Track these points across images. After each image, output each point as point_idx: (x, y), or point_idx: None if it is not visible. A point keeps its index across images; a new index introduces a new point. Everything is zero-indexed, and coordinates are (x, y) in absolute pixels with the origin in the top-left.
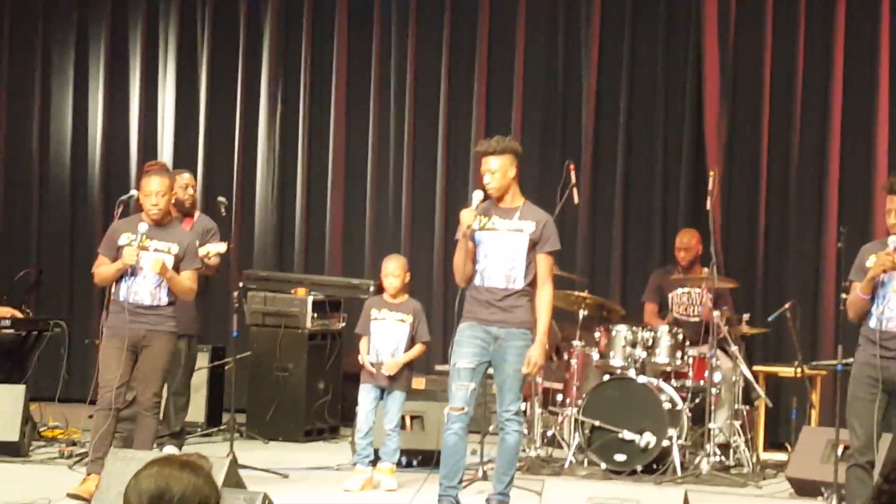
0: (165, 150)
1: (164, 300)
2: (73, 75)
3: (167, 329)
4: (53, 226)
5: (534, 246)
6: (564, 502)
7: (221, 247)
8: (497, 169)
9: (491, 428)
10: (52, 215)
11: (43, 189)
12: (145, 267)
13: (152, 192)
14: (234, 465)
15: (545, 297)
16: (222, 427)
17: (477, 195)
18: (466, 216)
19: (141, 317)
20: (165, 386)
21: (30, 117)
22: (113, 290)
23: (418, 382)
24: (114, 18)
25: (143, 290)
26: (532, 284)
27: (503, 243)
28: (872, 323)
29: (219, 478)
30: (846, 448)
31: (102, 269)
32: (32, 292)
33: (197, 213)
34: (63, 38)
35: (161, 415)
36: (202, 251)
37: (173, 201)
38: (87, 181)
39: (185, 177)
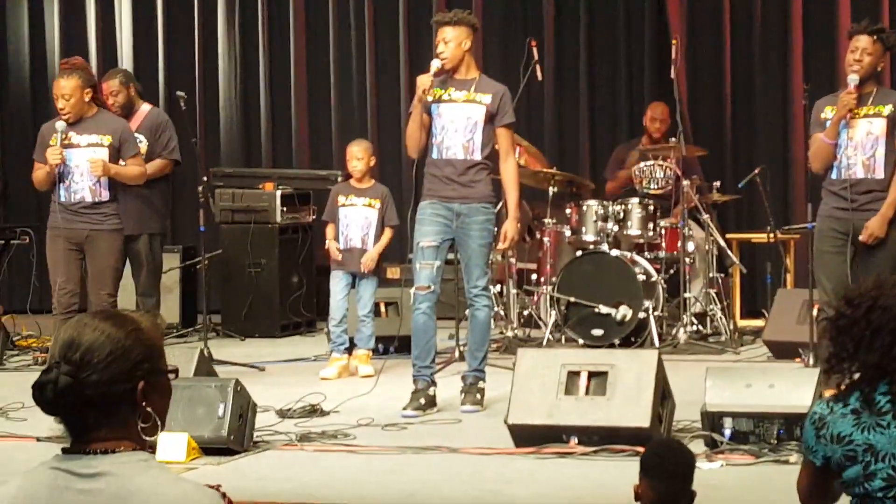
0: (124, 53)
1: (106, 196)
2: None
3: (110, 227)
4: (15, 137)
5: (491, 118)
6: (539, 369)
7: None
8: (451, 39)
9: (466, 312)
10: (13, 126)
11: (3, 101)
12: (81, 165)
13: (58, 94)
14: (205, 356)
15: (510, 170)
16: (197, 327)
17: (435, 63)
18: (423, 80)
19: (83, 216)
20: (135, 289)
21: None
22: (53, 191)
23: (392, 271)
24: None
25: (83, 187)
26: (490, 158)
27: (460, 114)
28: (833, 174)
29: (189, 368)
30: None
31: (37, 174)
32: (0, 204)
33: (147, 106)
34: None
35: None
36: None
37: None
38: (46, 89)
39: (109, 84)
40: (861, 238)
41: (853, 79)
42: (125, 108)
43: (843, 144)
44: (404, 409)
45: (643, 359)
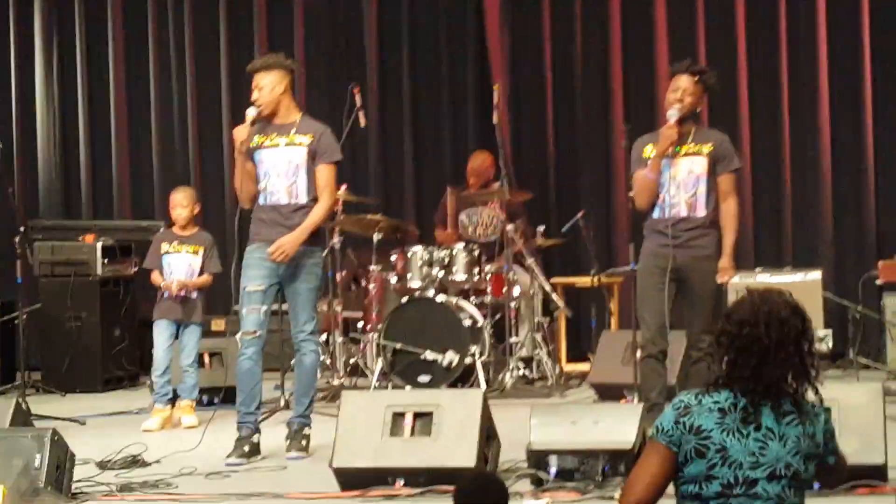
0: None
1: None
2: None
3: None
4: None
5: (313, 158)
6: (363, 411)
7: None
8: (265, 85)
9: (293, 362)
10: None
11: None
12: None
13: None
14: (21, 407)
15: (321, 202)
16: (16, 384)
17: (250, 112)
18: (239, 132)
19: None
20: None
21: None
22: None
23: (217, 324)
24: None
25: None
26: (316, 200)
27: (282, 158)
28: (656, 213)
29: (4, 419)
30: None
31: None
32: None
33: None
34: None
35: None
36: None
37: None
38: None
39: None
40: (719, 280)
41: (672, 114)
42: None
43: (666, 184)
44: (228, 456)
45: (468, 399)
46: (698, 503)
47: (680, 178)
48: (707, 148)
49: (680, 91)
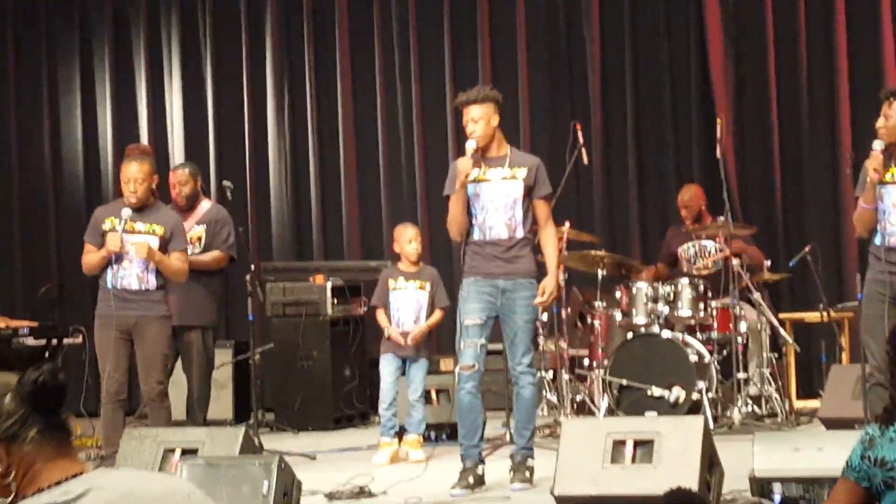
0: (176, 152)
1: (154, 284)
2: (80, 87)
3: (159, 314)
4: (71, 237)
5: (529, 192)
6: (584, 439)
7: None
8: (480, 117)
9: None
10: (68, 227)
11: (58, 202)
12: (131, 251)
13: (130, 178)
14: (249, 436)
15: (549, 236)
16: (249, 423)
17: (470, 144)
18: (464, 164)
19: (131, 303)
20: (190, 382)
21: (40, 132)
22: (100, 277)
23: (446, 363)
24: (116, 24)
25: (131, 274)
26: (532, 232)
27: (500, 192)
28: (877, 240)
29: (234, 447)
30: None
31: (89, 257)
32: (56, 306)
33: (209, 203)
34: (67, 49)
35: (185, 412)
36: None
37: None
38: (100, 189)
39: (178, 174)
40: None
41: (877, 144)
42: (190, 199)
43: (886, 211)
44: (452, 487)
45: (689, 426)
46: None
47: None
48: None
49: (882, 119)
